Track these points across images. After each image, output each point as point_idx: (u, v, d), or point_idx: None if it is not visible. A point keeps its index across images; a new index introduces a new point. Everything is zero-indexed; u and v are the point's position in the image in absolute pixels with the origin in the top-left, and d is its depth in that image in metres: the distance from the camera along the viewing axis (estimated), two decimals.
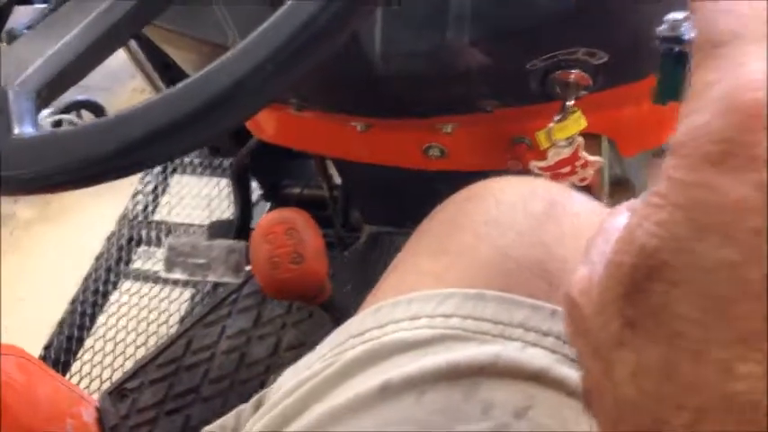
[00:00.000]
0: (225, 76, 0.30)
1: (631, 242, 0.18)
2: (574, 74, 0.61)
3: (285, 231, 0.75)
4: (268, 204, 1.36)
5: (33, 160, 0.34)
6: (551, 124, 0.64)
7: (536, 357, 0.34)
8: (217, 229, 1.21)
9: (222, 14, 0.64)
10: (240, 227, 1.17)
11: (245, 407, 0.45)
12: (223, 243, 1.04)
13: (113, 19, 0.38)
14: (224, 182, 1.69)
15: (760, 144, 0.16)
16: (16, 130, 0.35)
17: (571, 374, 0.33)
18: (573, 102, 0.62)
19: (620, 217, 0.23)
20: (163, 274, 1.18)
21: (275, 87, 0.32)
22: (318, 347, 0.42)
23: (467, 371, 0.34)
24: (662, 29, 0.27)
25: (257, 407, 0.44)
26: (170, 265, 1.06)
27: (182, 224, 1.65)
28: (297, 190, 1.25)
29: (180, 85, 0.31)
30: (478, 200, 0.44)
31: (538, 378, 0.33)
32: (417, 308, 0.38)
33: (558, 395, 0.33)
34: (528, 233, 0.40)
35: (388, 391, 0.35)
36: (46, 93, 0.36)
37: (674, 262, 0.17)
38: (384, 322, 0.38)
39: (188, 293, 1.51)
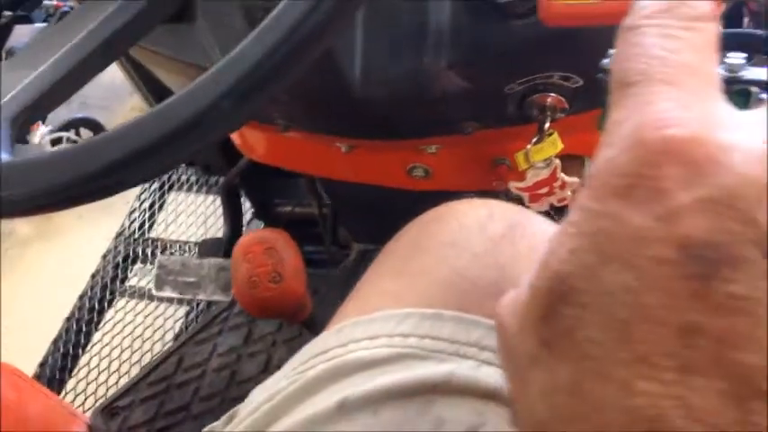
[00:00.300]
0: (184, 110, 0.31)
1: (547, 268, 0.19)
2: (550, 97, 0.62)
3: (264, 251, 0.76)
4: (262, 223, 1.37)
5: (10, 185, 0.35)
6: (529, 146, 0.66)
7: (490, 376, 0.35)
8: (207, 248, 1.22)
9: (206, 37, 0.65)
10: (230, 245, 1.18)
11: (217, 423, 0.46)
12: (213, 261, 1.05)
13: (88, 49, 0.39)
14: (220, 199, 1.71)
15: (662, 178, 0.17)
16: None
17: None
18: (549, 124, 0.64)
19: None
20: (155, 293, 1.19)
21: (233, 120, 0.33)
22: (285, 365, 0.43)
23: (422, 388, 0.35)
24: (604, 62, 0.28)
25: (228, 422, 0.45)
26: (160, 283, 1.07)
27: (177, 241, 1.66)
28: (288, 208, 1.26)
29: (143, 115, 0.32)
30: (439, 222, 0.45)
31: (491, 396, 0.34)
32: (377, 327, 0.39)
33: (510, 413, 0.34)
34: (484, 255, 0.41)
35: (345, 409, 0.36)
36: (22, 120, 0.37)
37: (583, 287, 0.18)
38: (345, 341, 0.39)
39: (183, 311, 1.52)
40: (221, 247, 1.17)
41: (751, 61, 0.30)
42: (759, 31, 0.33)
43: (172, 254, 1.57)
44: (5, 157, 0.36)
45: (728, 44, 0.37)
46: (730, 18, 0.56)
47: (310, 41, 0.34)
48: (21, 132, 0.39)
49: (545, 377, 0.19)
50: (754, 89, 0.28)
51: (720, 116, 0.19)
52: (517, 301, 0.21)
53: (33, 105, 0.37)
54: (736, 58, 0.28)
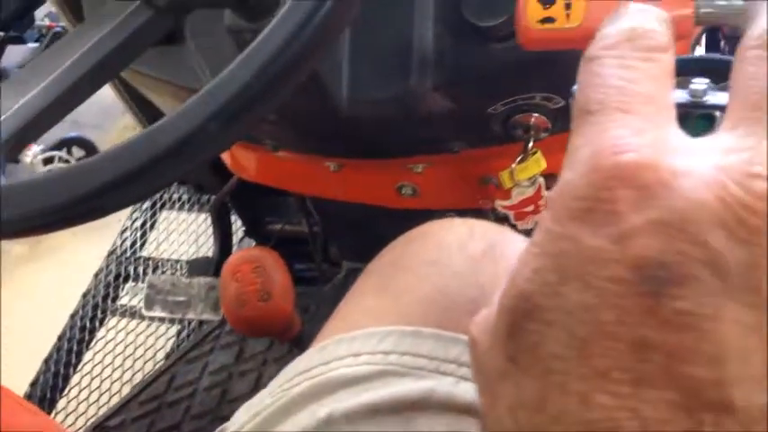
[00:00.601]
0: (172, 132, 0.32)
1: (513, 286, 0.20)
2: (533, 117, 0.63)
3: (253, 269, 0.76)
4: (254, 242, 1.38)
5: (3, 208, 0.36)
6: (514, 165, 0.67)
7: (468, 392, 0.36)
8: (197, 267, 1.22)
9: (195, 59, 0.66)
10: (219, 264, 1.19)
11: None
12: (203, 281, 1.06)
13: (78, 75, 0.40)
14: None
15: (615, 202, 0.18)
16: None
17: None
18: (533, 143, 0.65)
19: None
20: (144, 312, 1.19)
21: (219, 143, 0.34)
22: (270, 383, 0.43)
23: (403, 405, 0.36)
24: (574, 87, 0.29)
25: None
26: (150, 302, 1.08)
27: (169, 260, 1.66)
28: (278, 226, 1.27)
29: (131, 138, 0.33)
30: (420, 241, 0.46)
31: (470, 411, 0.35)
32: (359, 345, 0.40)
33: (481, 426, 0.34)
34: (464, 273, 0.42)
35: (327, 426, 0.36)
36: (12, 144, 0.38)
37: (546, 305, 0.19)
38: (328, 359, 0.40)
39: (174, 329, 1.52)
40: (211, 267, 1.18)
41: (718, 86, 0.31)
42: (725, 57, 0.34)
43: (163, 273, 1.57)
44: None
45: (694, 70, 0.38)
46: (708, 42, 0.58)
47: (297, 63, 0.35)
48: (14, 155, 0.40)
49: (512, 392, 0.20)
50: (717, 113, 0.29)
51: (673, 142, 0.20)
52: (488, 319, 0.22)
53: (25, 129, 0.38)
54: (700, 83, 0.30)
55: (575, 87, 0.32)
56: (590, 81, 0.22)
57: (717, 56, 0.34)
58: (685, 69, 0.37)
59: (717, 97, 0.29)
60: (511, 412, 0.20)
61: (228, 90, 0.33)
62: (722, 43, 0.58)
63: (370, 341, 0.39)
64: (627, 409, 0.17)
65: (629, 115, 0.20)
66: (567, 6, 0.43)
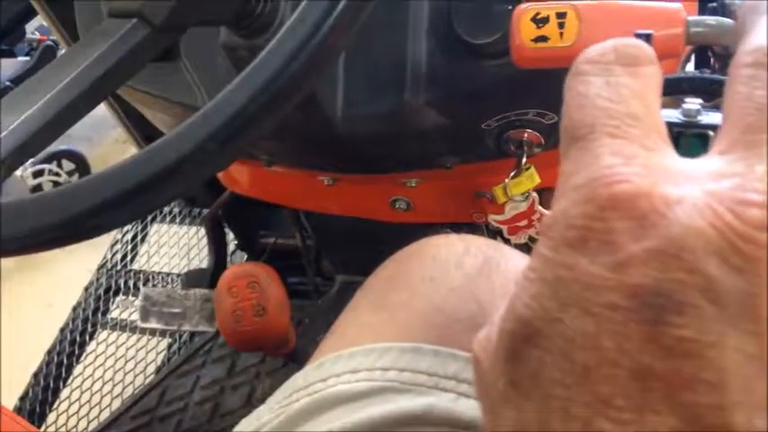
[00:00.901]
0: (170, 153, 0.32)
1: (512, 310, 0.20)
2: (527, 133, 0.64)
3: (248, 284, 0.77)
4: (245, 255, 1.38)
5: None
6: (507, 180, 0.67)
7: (468, 409, 0.36)
8: (192, 279, 1.22)
9: (190, 76, 0.66)
10: (214, 276, 1.19)
11: None
12: (198, 292, 1.06)
13: (76, 92, 0.40)
14: (203, 231, 1.71)
15: (612, 232, 0.19)
16: None
17: None
18: (527, 159, 0.65)
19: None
20: (140, 324, 1.19)
21: (218, 162, 0.34)
22: (269, 400, 0.44)
23: (402, 421, 0.36)
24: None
25: None
26: (145, 314, 1.07)
27: (160, 273, 1.66)
28: (271, 240, 1.27)
29: (129, 158, 0.34)
30: (417, 258, 0.46)
31: (469, 428, 0.35)
32: (357, 361, 0.40)
33: None
34: (461, 289, 0.42)
35: None
36: (9, 162, 0.38)
37: (546, 331, 0.19)
38: (326, 376, 0.40)
39: (165, 343, 1.51)
40: (206, 278, 1.18)
41: (711, 104, 0.31)
42: (717, 76, 0.35)
43: (155, 285, 1.57)
44: None
45: (686, 89, 0.39)
46: (698, 60, 0.58)
47: (295, 84, 0.35)
48: (9, 174, 0.40)
49: (514, 415, 0.20)
50: (711, 133, 0.29)
51: (666, 167, 0.20)
52: (489, 339, 0.23)
53: (23, 147, 0.38)
54: (693, 103, 0.30)
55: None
56: (576, 102, 0.22)
57: (709, 75, 0.34)
58: (677, 88, 0.38)
59: (710, 117, 0.29)
60: None
61: (227, 110, 0.33)
62: (712, 61, 0.59)
63: (368, 358, 0.40)
64: None
65: (618, 140, 0.20)
66: (561, 26, 0.43)
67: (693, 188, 0.19)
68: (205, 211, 1.69)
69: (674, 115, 0.30)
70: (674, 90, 0.36)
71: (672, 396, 0.17)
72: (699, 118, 0.29)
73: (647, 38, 0.28)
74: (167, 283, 1.61)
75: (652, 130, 0.21)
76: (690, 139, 0.29)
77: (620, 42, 0.23)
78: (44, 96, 0.41)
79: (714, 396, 0.17)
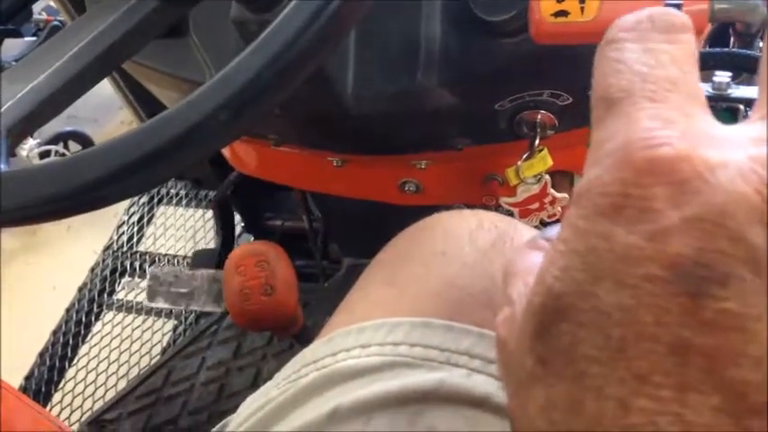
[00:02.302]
0: (180, 122, 0.31)
1: (541, 285, 0.19)
2: (540, 114, 0.63)
3: (256, 263, 0.76)
4: (251, 237, 1.37)
5: (4, 195, 0.35)
6: (520, 162, 0.66)
7: (480, 384, 0.35)
8: (200, 259, 1.22)
9: (199, 52, 0.65)
10: (222, 256, 1.18)
11: None
12: (205, 273, 1.05)
13: (84, 62, 0.40)
14: (208, 214, 1.71)
15: (650, 198, 0.18)
16: None
17: None
18: (539, 141, 0.64)
19: (530, 256, 0.24)
20: (146, 304, 1.19)
21: (228, 133, 0.34)
22: (276, 375, 0.43)
23: (413, 397, 0.35)
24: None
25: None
26: (152, 294, 1.07)
27: (166, 255, 1.66)
28: (278, 222, 1.26)
29: (139, 127, 0.33)
30: (428, 232, 0.45)
31: (482, 404, 0.34)
32: (368, 336, 0.39)
33: (501, 421, 0.34)
34: (474, 264, 0.41)
35: (336, 417, 0.36)
36: (17, 131, 0.37)
37: (578, 305, 0.18)
38: (336, 350, 0.39)
39: (171, 324, 1.51)
40: (214, 258, 1.17)
41: (736, 80, 0.30)
42: (746, 51, 0.34)
43: (161, 267, 1.57)
44: (2, 167, 0.36)
45: (715, 63, 0.38)
46: (717, 38, 0.57)
47: (308, 54, 0.34)
48: (16, 143, 0.39)
49: (543, 393, 0.19)
50: (740, 107, 0.28)
51: (706, 132, 0.19)
52: (513, 318, 0.22)
53: (29, 117, 0.38)
54: (723, 76, 0.29)
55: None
56: (611, 67, 0.21)
57: (737, 50, 0.33)
58: (707, 63, 0.37)
59: (740, 90, 0.29)
60: (544, 414, 0.19)
61: (239, 79, 0.32)
62: (732, 40, 0.58)
63: (378, 332, 0.39)
64: (669, 413, 0.17)
65: (657, 104, 0.19)
66: (582, 0, 0.42)
67: (736, 153, 0.18)
68: (212, 194, 1.69)
69: (705, 88, 0.29)
70: (705, 65, 0.35)
71: (713, 372, 0.16)
72: (729, 91, 0.28)
73: (678, 8, 0.27)
74: (173, 265, 1.61)
75: (691, 95, 0.20)
76: (720, 113, 0.28)
77: (654, 11, 0.22)
78: (51, 66, 0.41)
79: (759, 372, 0.16)
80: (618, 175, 0.18)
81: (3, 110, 0.37)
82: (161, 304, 1.08)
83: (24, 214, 0.34)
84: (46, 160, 1.91)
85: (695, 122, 0.19)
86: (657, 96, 0.19)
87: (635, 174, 0.18)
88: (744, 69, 0.37)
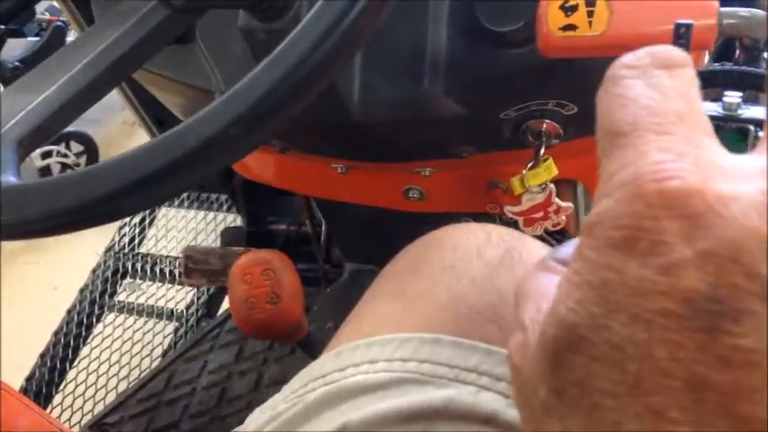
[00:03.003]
0: (193, 137, 0.32)
1: (555, 316, 0.19)
2: (546, 123, 0.63)
3: (262, 272, 0.76)
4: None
5: (17, 208, 0.35)
6: (524, 171, 0.66)
7: (488, 401, 0.35)
8: (230, 237, 1.22)
9: (205, 60, 0.66)
10: (251, 234, 1.20)
11: None
12: (236, 250, 1.06)
13: (95, 73, 0.40)
14: (211, 215, 1.71)
15: (662, 232, 0.18)
16: (0, 179, 0.36)
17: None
18: (545, 150, 0.64)
19: (542, 279, 0.24)
20: (185, 280, 1.19)
21: (241, 148, 0.34)
22: (284, 389, 0.43)
23: (422, 414, 0.35)
24: None
25: None
26: (189, 271, 1.08)
27: (168, 257, 1.65)
28: (281, 226, 1.26)
29: (151, 141, 0.33)
30: (437, 246, 0.45)
31: (489, 421, 0.34)
32: (376, 352, 0.39)
33: None
34: (482, 280, 0.41)
35: None
36: (28, 142, 0.37)
37: (591, 338, 0.18)
38: (344, 365, 0.39)
39: (172, 326, 1.51)
40: (243, 236, 1.18)
41: (744, 98, 0.30)
42: (755, 69, 0.34)
43: (162, 269, 1.57)
44: (13, 180, 0.36)
45: (724, 81, 0.38)
46: (722, 53, 0.57)
47: (322, 69, 0.35)
48: (26, 154, 0.39)
49: (559, 425, 0.19)
50: (751, 128, 0.28)
51: (717, 164, 0.19)
52: (526, 344, 0.22)
53: (40, 129, 0.38)
54: (733, 96, 0.29)
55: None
56: (615, 102, 0.21)
57: (746, 68, 0.33)
58: (712, 81, 0.37)
59: (751, 111, 0.29)
60: None
61: (253, 95, 0.32)
62: (737, 53, 0.58)
63: (386, 348, 0.39)
64: None
65: (665, 136, 0.19)
66: (590, 14, 0.42)
67: (747, 185, 0.18)
68: (214, 196, 1.69)
69: (714, 109, 0.29)
70: (709, 82, 0.35)
71: (728, 409, 0.16)
72: (739, 112, 0.28)
73: (688, 28, 0.27)
74: (174, 268, 1.61)
75: (697, 127, 0.20)
76: (730, 134, 0.28)
77: (653, 48, 0.22)
78: (62, 78, 0.41)
79: None
80: (629, 208, 0.18)
81: (14, 121, 0.37)
82: (197, 281, 1.09)
83: (37, 227, 0.34)
84: (53, 161, 1.92)
85: (705, 154, 0.19)
86: (665, 129, 0.19)
87: (647, 206, 0.18)
88: (742, 87, 0.37)
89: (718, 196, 0.17)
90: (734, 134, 0.28)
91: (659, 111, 0.20)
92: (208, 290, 1.50)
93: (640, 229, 0.18)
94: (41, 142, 0.39)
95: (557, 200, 0.69)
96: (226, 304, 1.44)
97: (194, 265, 1.07)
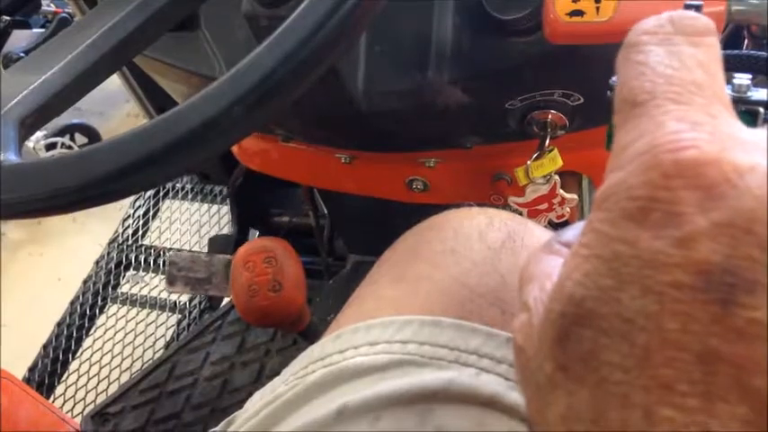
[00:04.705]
0: (195, 116, 0.31)
1: (561, 291, 0.19)
2: (551, 114, 0.63)
3: (264, 259, 0.76)
4: (257, 232, 1.37)
5: (16, 186, 0.35)
6: (529, 162, 0.66)
7: (489, 384, 0.35)
8: (216, 244, 1.22)
9: (209, 47, 0.65)
10: (239, 241, 1.19)
11: (216, 429, 0.46)
12: (223, 258, 1.05)
13: (97, 55, 0.40)
14: (214, 208, 1.71)
15: (677, 202, 0.17)
16: (1, 157, 0.36)
17: (523, 401, 0.34)
18: (549, 141, 0.64)
19: (546, 261, 0.24)
20: (168, 289, 1.18)
21: (242, 129, 0.33)
22: (284, 371, 0.43)
23: (421, 396, 0.35)
24: (614, 79, 0.28)
25: (227, 427, 0.45)
26: (172, 279, 1.07)
27: (171, 249, 1.66)
28: (284, 218, 1.26)
29: (152, 121, 0.33)
30: (438, 230, 0.45)
31: (490, 404, 0.34)
32: (376, 334, 0.39)
33: (509, 421, 0.34)
34: (483, 263, 0.41)
35: (344, 415, 0.36)
36: (30, 122, 0.37)
37: (600, 311, 0.18)
38: (344, 347, 0.39)
39: (175, 318, 1.52)
40: (230, 244, 1.18)
41: (752, 81, 0.30)
42: (763, 53, 0.34)
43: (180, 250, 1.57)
44: (14, 158, 0.36)
45: (733, 65, 0.38)
46: (731, 40, 0.57)
47: (325, 50, 0.34)
48: (28, 134, 0.39)
49: (564, 401, 0.19)
50: (760, 110, 0.28)
51: (733, 135, 0.18)
52: (530, 324, 0.21)
53: (42, 108, 0.37)
54: (743, 78, 0.29)
55: (614, 78, 0.31)
56: (634, 70, 0.21)
57: (757, 52, 0.33)
58: (726, 64, 0.37)
59: (760, 93, 0.28)
60: (564, 422, 0.19)
61: (254, 75, 0.32)
62: (746, 41, 0.57)
63: (387, 330, 0.39)
64: (695, 423, 0.16)
65: (683, 106, 0.19)
66: (597, 0, 0.42)
67: (763, 157, 0.17)
68: (217, 189, 1.69)
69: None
70: (725, 66, 0.34)
71: (740, 382, 0.16)
72: (749, 94, 0.28)
73: (698, 9, 0.26)
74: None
75: (716, 98, 0.20)
76: (739, 115, 0.28)
77: (676, 14, 0.22)
78: (64, 59, 0.41)
79: None
80: (644, 178, 0.18)
81: (17, 100, 0.37)
82: (180, 289, 1.08)
83: (36, 206, 0.34)
84: (58, 153, 1.92)
85: (722, 125, 0.19)
86: (682, 99, 0.19)
87: (662, 177, 0.18)
88: (753, 71, 0.37)
89: (734, 167, 0.17)
90: (744, 115, 0.28)
91: (678, 80, 0.20)
92: None
93: (655, 200, 0.18)
94: (43, 122, 0.38)
95: (561, 191, 0.68)
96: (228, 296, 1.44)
97: (178, 272, 1.07)
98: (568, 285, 0.19)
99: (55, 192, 0.34)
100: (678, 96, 0.19)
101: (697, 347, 0.16)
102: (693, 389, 0.16)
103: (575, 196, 0.69)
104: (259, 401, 0.41)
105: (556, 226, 0.76)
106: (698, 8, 0.26)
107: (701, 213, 0.17)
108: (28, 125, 0.37)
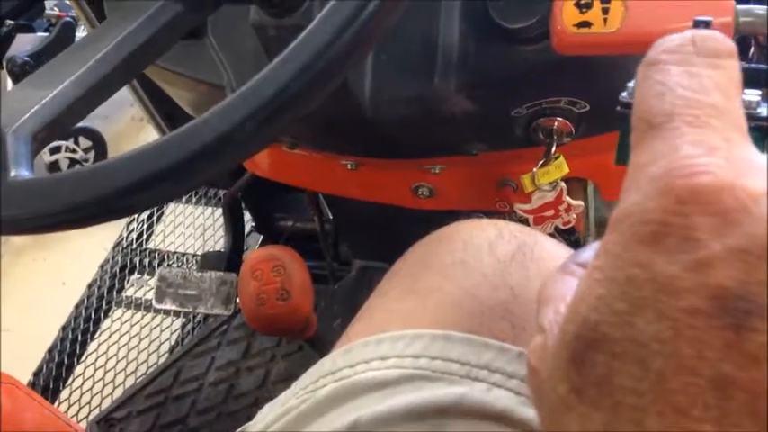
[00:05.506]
0: (208, 132, 0.31)
1: (576, 314, 0.19)
2: (557, 122, 0.63)
3: (272, 268, 0.76)
4: (261, 236, 1.37)
5: (29, 202, 0.35)
6: (535, 169, 0.66)
7: (501, 398, 0.35)
8: (208, 261, 1.22)
9: (216, 55, 0.65)
10: (231, 259, 1.18)
11: None
12: (214, 275, 1.05)
13: (108, 68, 0.40)
14: (218, 212, 1.71)
15: (692, 228, 0.17)
16: (12, 173, 0.36)
17: (534, 416, 0.34)
18: (556, 148, 0.64)
19: (562, 282, 0.24)
20: (155, 305, 1.19)
21: (256, 143, 0.34)
22: (294, 384, 0.43)
23: (434, 410, 0.35)
24: (623, 95, 0.28)
25: None
26: (161, 295, 1.07)
27: (175, 252, 1.66)
28: (289, 223, 1.26)
29: (165, 137, 0.33)
30: (447, 242, 0.45)
31: (502, 419, 0.34)
32: (387, 348, 0.39)
33: None
34: (493, 275, 0.41)
35: (357, 429, 0.36)
36: (42, 137, 0.37)
37: (614, 335, 0.18)
38: (355, 362, 0.39)
39: (179, 322, 1.52)
40: (222, 261, 1.17)
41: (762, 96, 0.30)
42: (764, 66, 0.34)
43: (170, 265, 1.57)
44: (26, 174, 0.36)
45: (744, 79, 0.38)
46: (738, 53, 0.57)
47: (337, 65, 0.34)
48: (40, 149, 0.39)
49: (578, 424, 0.19)
50: None
51: (748, 160, 0.19)
52: (544, 346, 0.21)
53: (54, 123, 0.38)
54: (753, 94, 0.29)
55: (624, 94, 0.31)
56: (653, 89, 0.21)
57: (765, 66, 0.33)
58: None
59: None
60: None
61: (268, 90, 0.32)
62: (752, 51, 0.57)
63: (397, 344, 0.39)
64: None
65: (700, 130, 0.19)
66: (605, 11, 0.42)
67: None
68: (222, 193, 1.70)
69: None
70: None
71: (754, 407, 0.16)
72: (759, 110, 0.28)
73: (707, 25, 0.26)
74: (182, 263, 1.61)
75: (733, 123, 0.20)
76: (749, 132, 0.28)
77: (698, 34, 0.22)
78: (75, 72, 0.41)
79: None
80: (658, 202, 0.18)
81: (29, 115, 0.37)
82: (168, 306, 1.08)
83: (50, 222, 0.34)
84: (62, 156, 1.92)
85: (737, 150, 0.19)
86: (699, 122, 0.19)
87: (676, 202, 0.18)
88: (760, 85, 0.37)
89: (749, 193, 0.17)
90: (753, 132, 0.28)
91: (696, 103, 0.20)
92: None
93: (669, 225, 0.18)
94: (55, 137, 0.39)
95: (567, 198, 0.69)
96: None
97: (167, 288, 1.07)
98: (582, 309, 0.19)
99: (68, 208, 0.34)
100: (695, 120, 0.19)
101: (711, 372, 0.17)
102: (707, 414, 0.17)
103: (581, 203, 0.69)
104: (269, 414, 0.42)
105: (562, 233, 0.76)
106: (707, 24, 0.26)
107: (715, 239, 0.17)
108: (40, 140, 0.37)
